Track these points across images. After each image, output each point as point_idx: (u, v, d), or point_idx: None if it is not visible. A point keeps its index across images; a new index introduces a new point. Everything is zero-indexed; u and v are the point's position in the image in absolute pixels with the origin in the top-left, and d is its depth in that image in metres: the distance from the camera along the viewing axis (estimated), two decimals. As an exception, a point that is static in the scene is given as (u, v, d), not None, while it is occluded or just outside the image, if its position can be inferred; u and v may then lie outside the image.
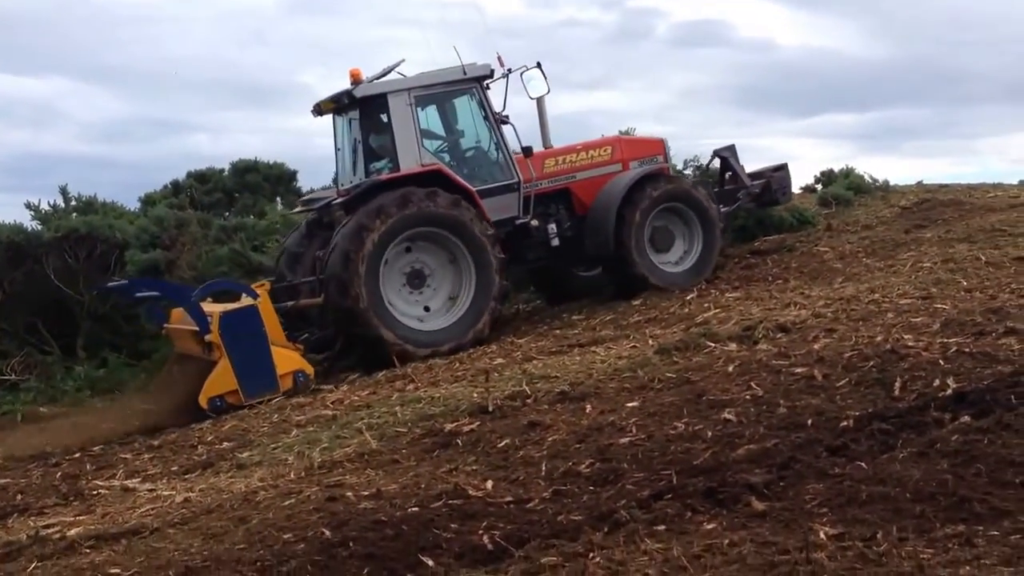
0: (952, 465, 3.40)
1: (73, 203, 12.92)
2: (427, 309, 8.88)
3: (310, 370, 8.21)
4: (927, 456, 3.54)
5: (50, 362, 11.05)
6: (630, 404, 5.24)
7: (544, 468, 4.40)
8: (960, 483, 3.23)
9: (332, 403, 7.45)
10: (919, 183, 13.80)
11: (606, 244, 9.22)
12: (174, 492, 5.56)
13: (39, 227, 12.02)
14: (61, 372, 10.92)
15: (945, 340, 5.20)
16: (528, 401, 5.89)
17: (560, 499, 3.99)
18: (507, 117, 9.34)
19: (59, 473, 6.76)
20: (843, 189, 12.67)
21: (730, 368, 5.61)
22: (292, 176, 15.82)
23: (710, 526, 3.30)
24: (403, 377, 7.86)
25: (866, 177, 13.41)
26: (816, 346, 5.73)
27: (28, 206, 12.67)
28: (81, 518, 5.38)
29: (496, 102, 9.31)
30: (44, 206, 12.77)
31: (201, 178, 15.47)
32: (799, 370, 5.12)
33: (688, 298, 8.63)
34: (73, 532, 4.96)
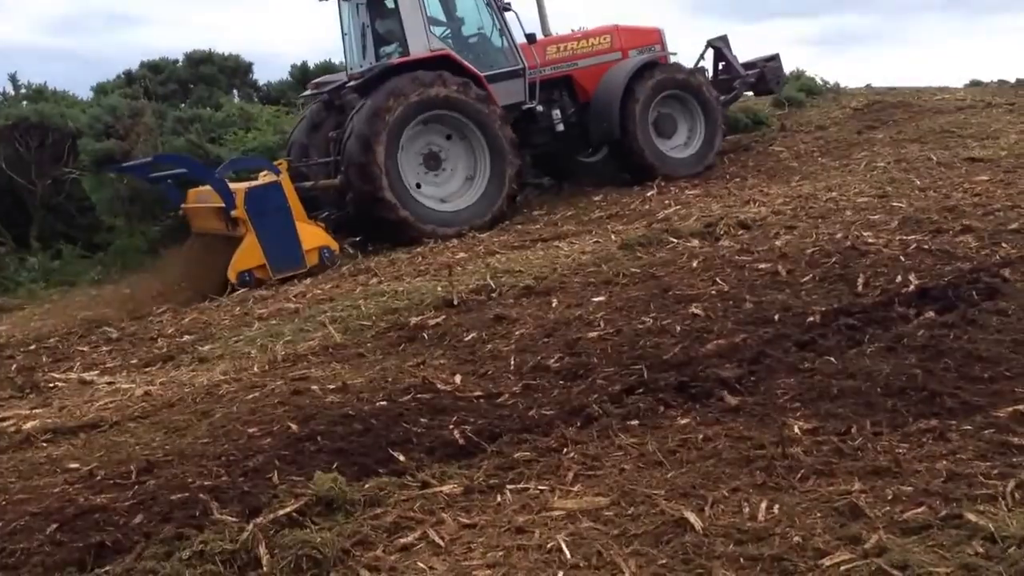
0: (920, 360, 3.28)
1: (23, 91, 11.94)
2: (445, 190, 8.73)
3: (335, 246, 8.03)
4: (895, 351, 3.42)
5: (3, 253, 10.44)
6: (596, 299, 5.04)
7: (513, 362, 4.20)
8: (930, 378, 3.11)
9: (295, 296, 7.12)
10: (867, 86, 13.59)
11: (611, 131, 9.15)
12: (134, 385, 5.25)
13: (-12, 116, 11.12)
14: (15, 264, 10.35)
15: (904, 237, 5.07)
16: (493, 295, 5.65)
17: (530, 394, 3.80)
18: (509, 4, 9.12)
19: (13, 366, 6.38)
20: (795, 91, 12.39)
21: (694, 263, 5.42)
22: (248, 68, 14.91)
23: (683, 421, 3.15)
24: (366, 271, 7.55)
25: (817, 79, 13.15)
26: (778, 243, 5.56)
27: (-24, 94, 11.72)
28: (37, 411, 5.05)
29: None
30: (-8, 94, 11.83)
31: (155, 68, 14.46)
32: (763, 266, 4.95)
33: (648, 195, 8.39)
34: (29, 425, 4.65)
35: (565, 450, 3.05)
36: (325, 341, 5.39)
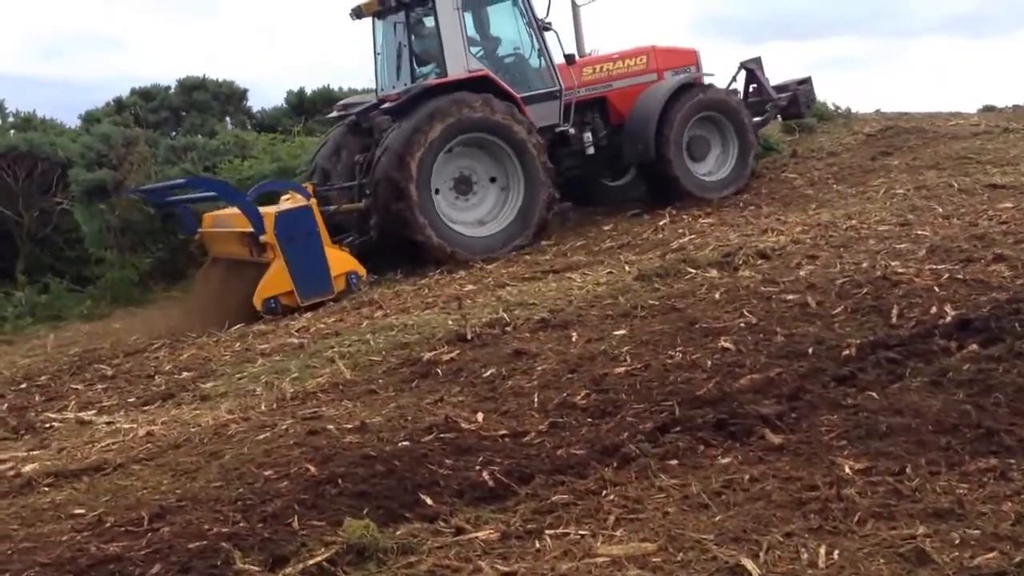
0: (969, 395, 3.27)
1: (11, 119, 11.98)
2: (473, 215, 8.79)
3: (362, 271, 8.03)
4: (941, 386, 3.40)
5: (-13, 288, 10.41)
6: (617, 332, 5.02)
7: (536, 399, 4.17)
8: (983, 414, 3.09)
9: (297, 331, 7.08)
10: (877, 111, 13.71)
11: (646, 152, 9.18)
12: (135, 425, 5.19)
13: (-28, 145, 11.15)
14: (0, 298, 10.30)
15: (934, 267, 5.08)
16: (507, 329, 5.63)
17: (558, 432, 3.77)
18: (550, 24, 9.17)
19: (5, 405, 6.31)
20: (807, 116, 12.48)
21: (716, 295, 5.42)
22: (242, 95, 15.01)
23: (725, 460, 3.12)
24: (370, 303, 7.51)
25: (829, 104, 13.25)
26: (802, 273, 5.57)
27: (-40, 122, 11.75)
28: (35, 453, 4.99)
29: (539, 8, 9.16)
30: (-22, 123, 11.87)
31: (146, 95, 14.56)
32: (791, 297, 4.95)
33: (661, 223, 8.42)
34: (28, 468, 4.59)
35: (604, 492, 3.01)
36: (334, 377, 5.35)
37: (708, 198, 9.16)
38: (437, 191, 8.49)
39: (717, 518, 2.72)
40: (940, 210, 6.88)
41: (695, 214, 8.68)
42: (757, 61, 10.35)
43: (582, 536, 2.76)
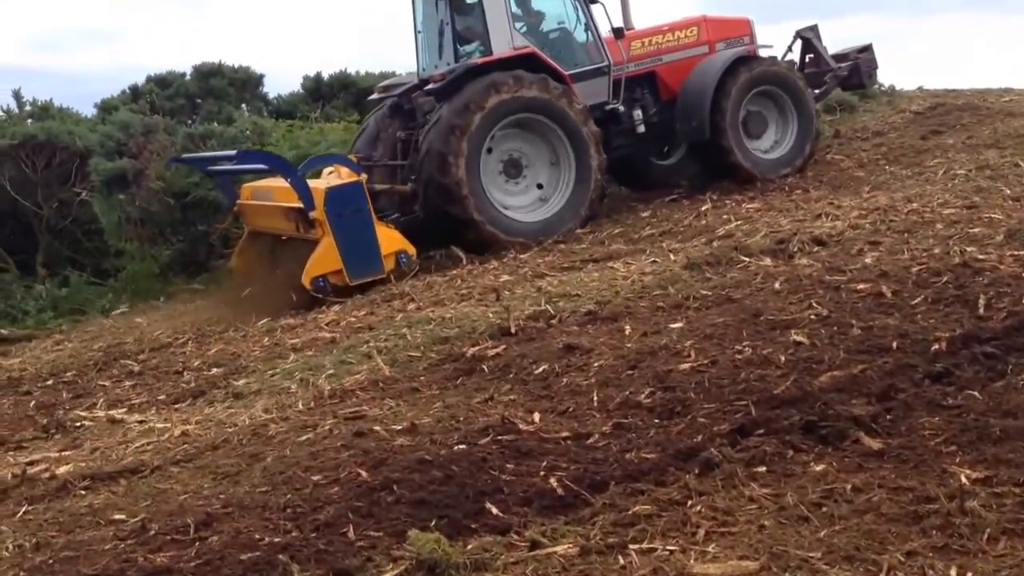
0: (1085, 394, 3.04)
1: (28, 108, 11.88)
2: (522, 200, 8.58)
3: (412, 250, 7.82)
4: (1050, 383, 3.17)
5: (8, 280, 10.32)
6: (674, 325, 4.81)
7: (596, 398, 3.97)
8: (1107, 415, 2.87)
9: (327, 325, 6.91)
10: (920, 88, 13.35)
11: (701, 129, 8.82)
12: (169, 424, 5.06)
13: (-10, 134, 11.06)
14: (21, 292, 10.22)
15: (1016, 253, 4.83)
16: (553, 322, 5.43)
17: (623, 434, 3.58)
18: None
19: (32, 403, 6.21)
20: (848, 94, 12.14)
21: (776, 284, 5.19)
22: (259, 80, 14.82)
23: (819, 467, 2.91)
24: (400, 296, 7.31)
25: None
26: (868, 260, 5.33)
27: (-25, 112, 11.68)
28: (67, 453, 4.88)
29: None
30: (-6, 111, 11.79)
31: (161, 83, 14.40)
32: (861, 286, 4.71)
33: (703, 209, 8.15)
34: (63, 470, 4.47)
35: (689, 502, 2.81)
36: (373, 374, 5.18)
37: (766, 179, 8.80)
38: (485, 172, 8.28)
39: (822, 533, 2.52)
40: (1008, 192, 6.60)
41: (738, 198, 8.41)
42: (814, 29, 9.91)
43: (671, 552, 2.57)
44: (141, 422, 5.31)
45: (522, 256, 8.04)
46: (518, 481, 3.24)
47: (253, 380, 5.73)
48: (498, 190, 8.39)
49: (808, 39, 9.89)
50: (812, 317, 4.38)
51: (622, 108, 8.97)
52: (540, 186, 8.53)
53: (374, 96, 9.90)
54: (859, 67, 9.77)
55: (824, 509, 2.63)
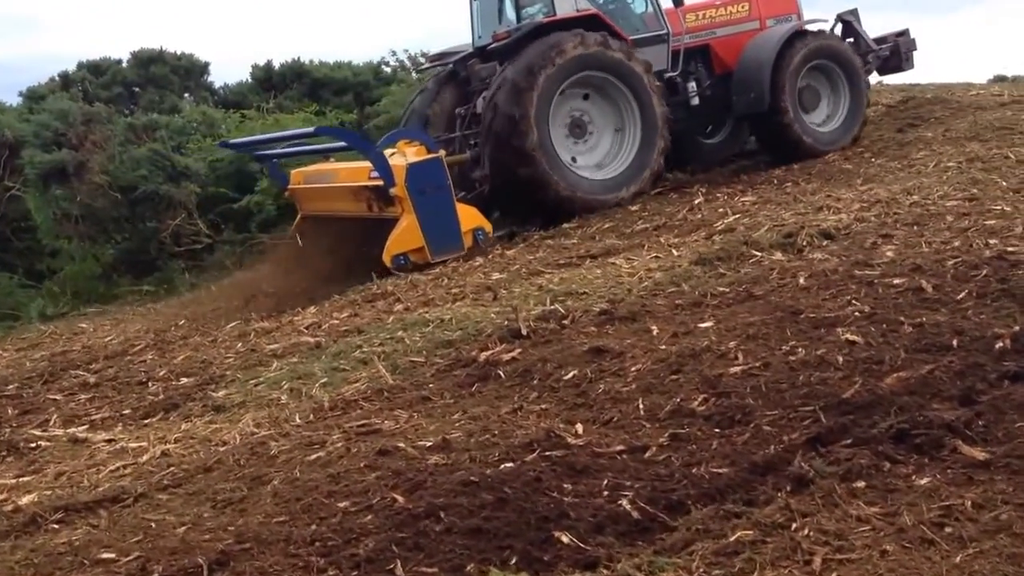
0: None
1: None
2: (588, 160, 8.63)
3: (489, 227, 7.83)
4: None
5: (-69, 286, 9.56)
6: (703, 324, 4.59)
7: (641, 406, 3.71)
8: None
9: (307, 328, 6.50)
10: (879, 83, 13.54)
11: (759, 101, 8.95)
12: (143, 443, 4.59)
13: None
14: (-53, 295, 9.48)
15: (1047, 245, 4.75)
16: (565, 323, 5.15)
17: (683, 445, 3.32)
18: None
19: (-27, 419, 5.63)
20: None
21: (801, 280, 5.02)
22: (203, 68, 14.15)
23: (922, 481, 2.70)
24: (384, 296, 6.95)
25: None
26: (888, 253, 5.20)
27: None
28: (27, 480, 4.36)
29: None
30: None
31: (95, 70, 13.60)
32: (897, 281, 4.57)
33: (696, 202, 8.00)
34: (26, 500, 3.98)
35: (793, 525, 2.56)
36: (374, 382, 4.82)
37: (824, 151, 8.98)
38: (553, 131, 8.26)
39: (957, 559, 2.30)
40: (1005, 184, 6.59)
41: (728, 191, 8.29)
42: (854, 12, 10.09)
43: (789, 584, 2.32)
44: (109, 441, 4.81)
45: (508, 253, 7.74)
46: (582, 503, 2.95)
47: (234, 391, 5.29)
48: (566, 151, 8.43)
49: (848, 22, 10.04)
50: (856, 314, 4.20)
51: (679, 79, 9.09)
52: (607, 144, 8.58)
53: (426, 65, 9.94)
54: (899, 49, 10.00)
55: (948, 530, 2.42)
